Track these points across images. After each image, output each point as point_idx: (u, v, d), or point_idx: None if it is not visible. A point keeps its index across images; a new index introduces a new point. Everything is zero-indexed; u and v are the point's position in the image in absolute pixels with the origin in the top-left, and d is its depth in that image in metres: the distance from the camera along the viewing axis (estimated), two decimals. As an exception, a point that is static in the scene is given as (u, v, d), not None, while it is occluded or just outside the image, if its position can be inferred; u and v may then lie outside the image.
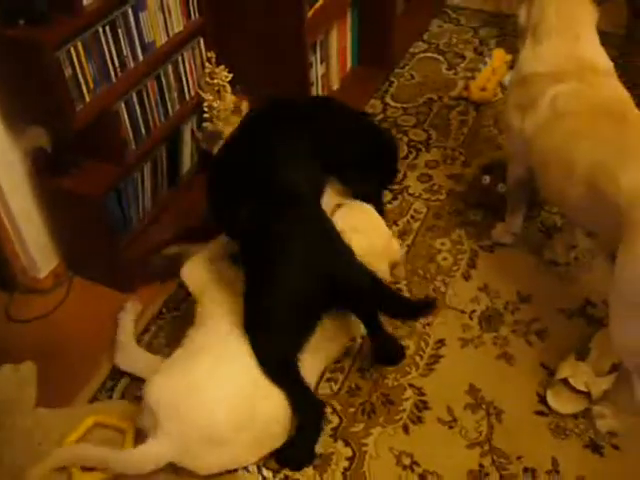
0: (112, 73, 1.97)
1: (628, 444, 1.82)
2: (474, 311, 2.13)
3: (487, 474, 1.77)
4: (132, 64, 2.02)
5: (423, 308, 1.95)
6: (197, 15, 2.21)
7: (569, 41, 1.89)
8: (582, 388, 1.86)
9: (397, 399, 1.92)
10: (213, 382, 1.73)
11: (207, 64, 2.28)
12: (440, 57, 3.15)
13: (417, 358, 2.01)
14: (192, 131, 2.35)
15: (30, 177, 2.07)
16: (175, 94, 2.23)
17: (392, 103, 2.90)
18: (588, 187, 1.74)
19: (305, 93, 2.44)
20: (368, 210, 2.13)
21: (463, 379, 1.96)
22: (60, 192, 2.06)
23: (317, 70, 2.64)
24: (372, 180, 2.27)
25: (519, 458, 1.80)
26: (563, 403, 1.88)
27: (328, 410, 1.89)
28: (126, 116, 2.05)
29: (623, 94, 1.87)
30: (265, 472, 1.78)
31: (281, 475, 1.78)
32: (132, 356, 2.00)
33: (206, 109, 2.31)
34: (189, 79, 2.27)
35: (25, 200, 2.09)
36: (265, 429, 1.77)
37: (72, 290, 2.23)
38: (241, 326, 1.80)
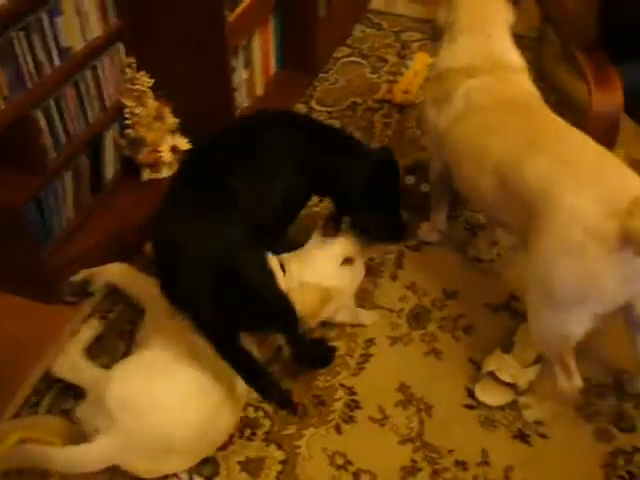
0: (27, 79, 1.91)
1: (554, 432, 1.87)
2: (402, 309, 2.16)
3: (420, 469, 1.79)
4: (49, 70, 1.97)
5: (317, 362, 1.97)
6: (116, 20, 2.17)
7: (480, 39, 1.94)
8: (508, 380, 1.91)
9: (329, 400, 1.93)
10: (174, 389, 1.74)
11: (127, 70, 2.25)
12: (364, 61, 3.18)
13: (347, 358, 2.03)
14: (114, 138, 2.31)
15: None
16: (95, 100, 2.18)
17: (317, 107, 2.91)
18: (497, 180, 1.79)
19: (228, 98, 2.42)
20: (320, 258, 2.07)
21: (393, 377, 1.99)
22: (-23, 203, 1.99)
23: (240, 75, 2.63)
24: (375, 207, 2.12)
25: (450, 452, 1.83)
26: (490, 395, 1.92)
27: (259, 414, 1.88)
28: (44, 123, 2.00)
29: (532, 89, 1.93)
30: (197, 478, 1.77)
31: (213, 481, 1.77)
32: (75, 364, 1.93)
33: (128, 115, 2.28)
34: (109, 85, 2.22)
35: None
36: (212, 440, 1.78)
37: (-7, 305, 2.16)
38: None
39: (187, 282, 1.76)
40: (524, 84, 1.93)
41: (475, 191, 1.92)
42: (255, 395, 1.84)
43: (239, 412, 1.86)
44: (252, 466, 1.79)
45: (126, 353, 1.98)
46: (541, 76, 2.49)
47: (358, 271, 2.12)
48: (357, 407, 1.92)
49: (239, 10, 2.41)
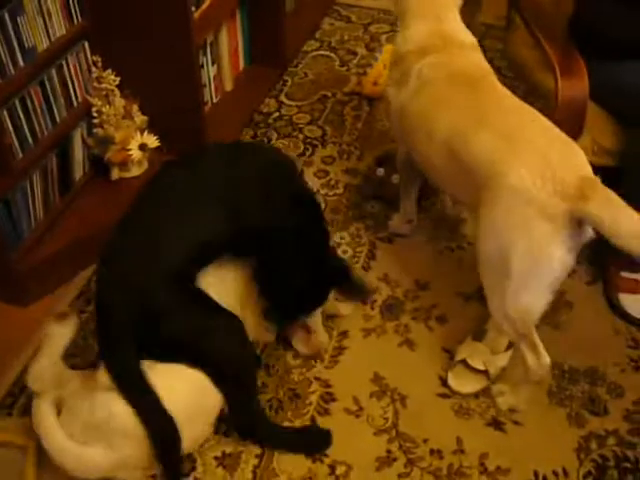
0: (-9, 80, 1.91)
1: (528, 419, 1.89)
2: (375, 301, 2.17)
3: (395, 459, 1.80)
4: (12, 70, 1.96)
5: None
6: (79, 18, 2.16)
7: (431, 22, 1.98)
8: (480, 367, 1.92)
9: (303, 393, 1.94)
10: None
11: (93, 68, 2.23)
12: (332, 54, 3.18)
13: (321, 351, 2.03)
14: (83, 137, 2.29)
15: None
16: (62, 100, 2.17)
17: (287, 101, 2.92)
18: (446, 152, 1.81)
19: (197, 95, 2.41)
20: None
21: (367, 368, 1.99)
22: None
23: (209, 71, 2.63)
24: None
25: (425, 441, 1.84)
26: (463, 383, 1.94)
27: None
28: (9, 124, 1.98)
29: (483, 64, 1.96)
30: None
31: (190, 478, 1.76)
32: (53, 376, 1.78)
33: (95, 114, 2.27)
34: (75, 84, 2.21)
35: None
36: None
37: (-37, 308, 2.15)
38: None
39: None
40: (475, 59, 1.96)
41: (429, 165, 1.95)
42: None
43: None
44: (229, 460, 1.79)
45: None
46: (509, 64, 2.53)
47: None
48: (332, 399, 1.92)
49: (204, 6, 2.40)
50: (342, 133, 2.76)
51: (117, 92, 2.27)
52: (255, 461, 1.79)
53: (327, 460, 1.80)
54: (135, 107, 2.32)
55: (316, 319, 2.02)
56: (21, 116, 2.02)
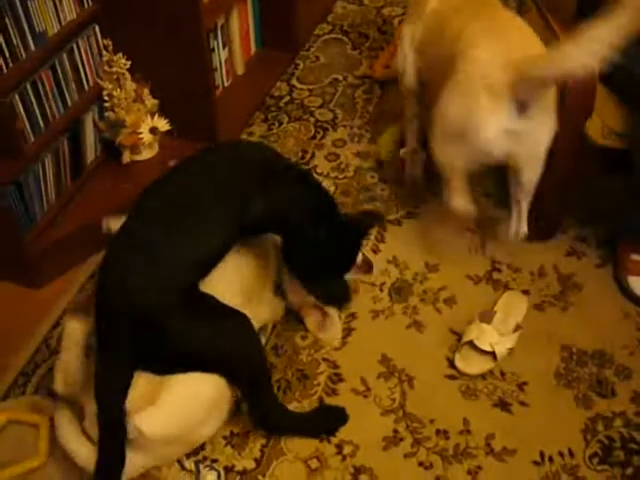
0: (3, 64, 1.91)
1: (535, 400, 1.89)
2: (384, 283, 2.18)
3: (402, 439, 1.82)
4: (24, 54, 1.98)
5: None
6: (90, 2, 2.17)
7: None
8: (487, 348, 1.93)
9: (311, 374, 1.95)
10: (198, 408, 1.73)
11: (104, 52, 2.25)
12: (344, 38, 3.18)
13: (333, 340, 2.04)
14: (94, 121, 2.31)
15: None
16: (73, 84, 2.19)
17: (298, 85, 2.92)
18: (451, 46, 1.97)
19: (207, 78, 2.42)
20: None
21: (375, 350, 2.01)
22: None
23: (220, 55, 2.64)
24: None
25: (432, 421, 1.85)
26: (470, 364, 1.94)
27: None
28: (21, 108, 2.00)
29: None
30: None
31: (199, 457, 1.79)
32: (77, 373, 1.80)
33: (107, 98, 2.28)
34: (87, 68, 2.23)
35: None
36: None
37: (-22, 289, 2.18)
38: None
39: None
40: None
41: (435, 73, 2.09)
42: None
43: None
44: (237, 440, 1.81)
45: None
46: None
47: None
48: (340, 380, 1.94)
49: (215, -11, 2.41)
50: (353, 116, 2.76)
51: (128, 76, 2.28)
52: (263, 441, 1.81)
53: (334, 440, 1.81)
54: (146, 91, 2.34)
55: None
56: (33, 100, 2.04)
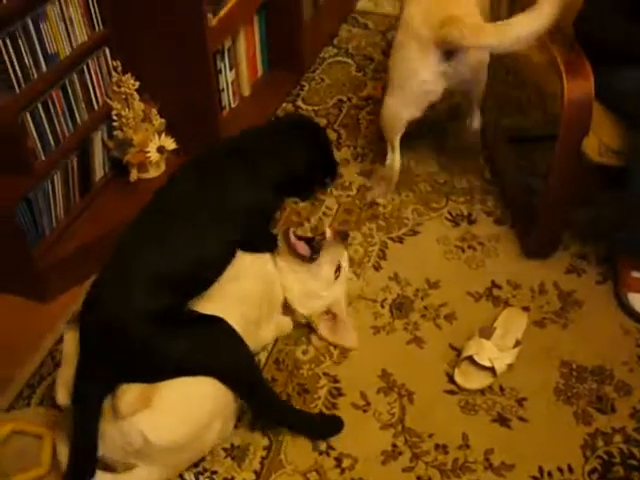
0: (15, 84, 1.97)
1: (534, 415, 1.91)
2: (385, 299, 2.20)
3: (400, 453, 1.83)
4: (36, 75, 2.04)
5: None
6: (101, 26, 2.23)
7: None
8: (486, 363, 1.95)
9: (312, 388, 1.97)
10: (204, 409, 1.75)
11: (113, 73, 2.31)
12: (349, 60, 3.23)
13: (331, 348, 2.07)
14: (103, 139, 2.37)
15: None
16: (83, 103, 2.25)
17: (303, 106, 2.97)
18: None
19: (214, 99, 2.48)
20: None
21: (376, 365, 2.03)
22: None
23: (227, 77, 2.69)
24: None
25: (431, 436, 1.87)
26: (470, 380, 1.96)
27: (245, 404, 1.92)
28: (32, 127, 2.06)
29: None
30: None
31: (199, 468, 1.81)
32: None
33: (115, 117, 2.34)
34: (96, 88, 2.29)
35: None
36: None
37: (-13, 303, 2.23)
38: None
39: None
40: None
41: None
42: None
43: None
44: (237, 452, 1.83)
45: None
46: (519, 67, 2.58)
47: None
48: (340, 394, 1.96)
49: (222, 13, 2.46)
50: (357, 136, 2.81)
51: (136, 96, 2.34)
52: (263, 453, 1.83)
53: (333, 453, 1.83)
54: (154, 111, 2.39)
55: (340, 306, 2.10)
56: (43, 119, 2.10)
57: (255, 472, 1.80)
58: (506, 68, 3.04)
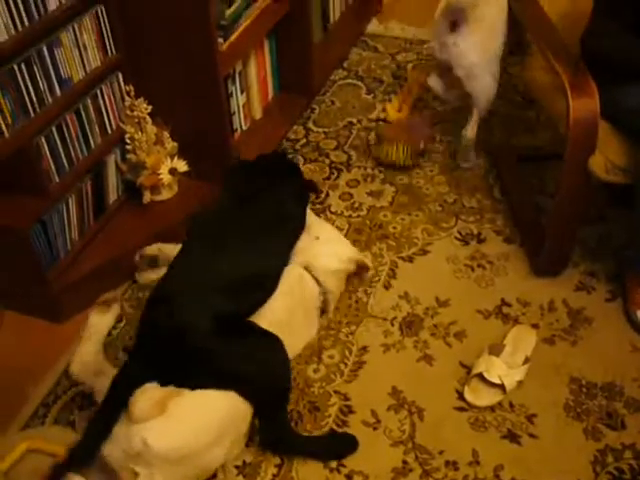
0: (30, 108, 2.02)
1: (544, 432, 1.91)
2: (395, 318, 2.22)
3: (411, 470, 1.84)
4: (50, 99, 2.08)
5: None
6: (113, 51, 2.29)
7: None
8: (496, 380, 1.96)
9: (323, 406, 1.99)
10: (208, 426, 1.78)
11: (126, 97, 2.36)
12: (359, 83, 3.28)
13: (342, 366, 2.09)
14: (116, 162, 2.41)
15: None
16: (96, 127, 2.29)
17: (314, 128, 3.01)
18: None
19: (225, 123, 2.51)
20: None
21: (386, 382, 2.04)
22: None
23: (238, 100, 2.74)
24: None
25: (441, 452, 1.88)
26: (479, 397, 1.97)
27: (256, 422, 1.94)
28: (47, 150, 2.11)
29: None
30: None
31: (211, 486, 1.83)
32: (94, 364, 2.00)
33: (128, 141, 2.38)
34: (110, 112, 2.33)
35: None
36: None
37: (3, 322, 2.25)
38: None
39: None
40: None
41: None
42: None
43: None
44: (249, 469, 1.85)
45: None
46: (527, 87, 2.61)
47: None
48: (350, 412, 1.97)
49: (233, 38, 2.52)
50: (367, 158, 2.84)
51: (149, 120, 2.38)
52: (274, 470, 1.85)
53: (344, 470, 1.84)
54: (166, 134, 2.44)
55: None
56: (58, 142, 2.15)
57: (266, 489, 1.82)
58: (515, 88, 3.08)
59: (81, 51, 2.17)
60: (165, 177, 2.41)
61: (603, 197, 2.16)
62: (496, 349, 2.04)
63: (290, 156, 2.84)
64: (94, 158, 2.31)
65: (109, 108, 2.33)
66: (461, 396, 1.99)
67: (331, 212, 2.60)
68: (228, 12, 2.50)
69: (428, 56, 3.38)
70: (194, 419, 1.74)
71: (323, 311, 2.20)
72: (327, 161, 2.85)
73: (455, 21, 2.45)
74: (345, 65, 3.40)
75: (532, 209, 2.54)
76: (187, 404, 1.74)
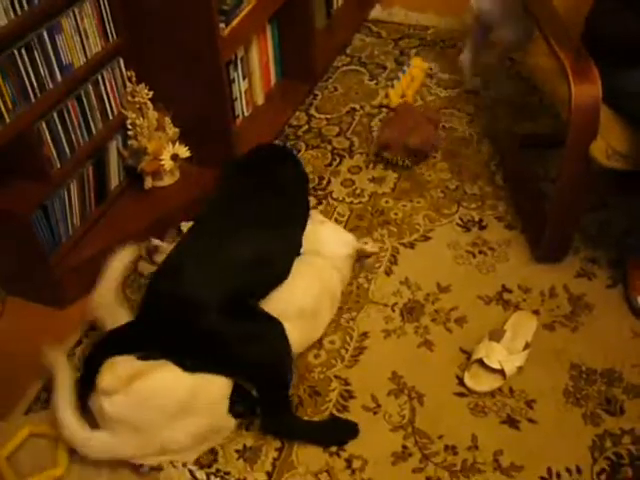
0: (31, 94, 2.02)
1: (543, 417, 1.92)
2: (396, 304, 2.22)
3: (410, 454, 1.85)
4: (51, 85, 2.08)
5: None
6: (114, 36, 2.28)
7: None
8: (496, 366, 1.97)
9: (323, 391, 2.00)
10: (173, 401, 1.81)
11: (128, 83, 2.36)
12: (362, 69, 3.27)
13: (342, 351, 2.09)
14: (118, 148, 2.41)
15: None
16: (98, 113, 2.29)
17: (316, 115, 3.01)
18: None
19: (227, 108, 2.51)
20: None
21: (386, 368, 2.05)
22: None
23: (240, 86, 2.73)
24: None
25: (440, 437, 1.89)
26: (479, 382, 1.98)
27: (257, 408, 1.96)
28: (48, 135, 2.11)
29: None
30: (191, 467, 1.84)
31: (212, 469, 1.84)
32: (110, 304, 2.07)
33: (130, 127, 2.38)
34: (111, 98, 2.33)
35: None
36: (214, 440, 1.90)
37: (5, 308, 2.27)
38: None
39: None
40: None
41: None
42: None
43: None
44: (249, 453, 1.86)
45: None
46: (530, 73, 2.59)
47: None
48: (351, 397, 1.98)
49: (234, 23, 2.50)
50: (369, 144, 2.84)
51: (150, 105, 2.38)
52: (275, 454, 1.86)
53: (344, 454, 1.85)
54: (167, 120, 2.44)
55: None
56: (59, 128, 2.15)
57: (267, 473, 1.82)
58: (519, 74, 3.07)
59: (82, 36, 2.16)
60: (167, 163, 2.41)
61: (604, 184, 2.16)
62: (496, 335, 2.04)
63: (292, 142, 2.84)
64: (95, 144, 2.31)
65: (110, 94, 2.33)
66: (461, 381, 2.00)
67: (333, 198, 2.60)
68: (230, -3, 2.50)
69: (431, 42, 3.38)
70: (152, 396, 1.78)
71: None
72: (329, 147, 2.84)
73: None
74: (348, 51, 3.38)
75: (534, 196, 2.53)
76: (151, 385, 1.78)
